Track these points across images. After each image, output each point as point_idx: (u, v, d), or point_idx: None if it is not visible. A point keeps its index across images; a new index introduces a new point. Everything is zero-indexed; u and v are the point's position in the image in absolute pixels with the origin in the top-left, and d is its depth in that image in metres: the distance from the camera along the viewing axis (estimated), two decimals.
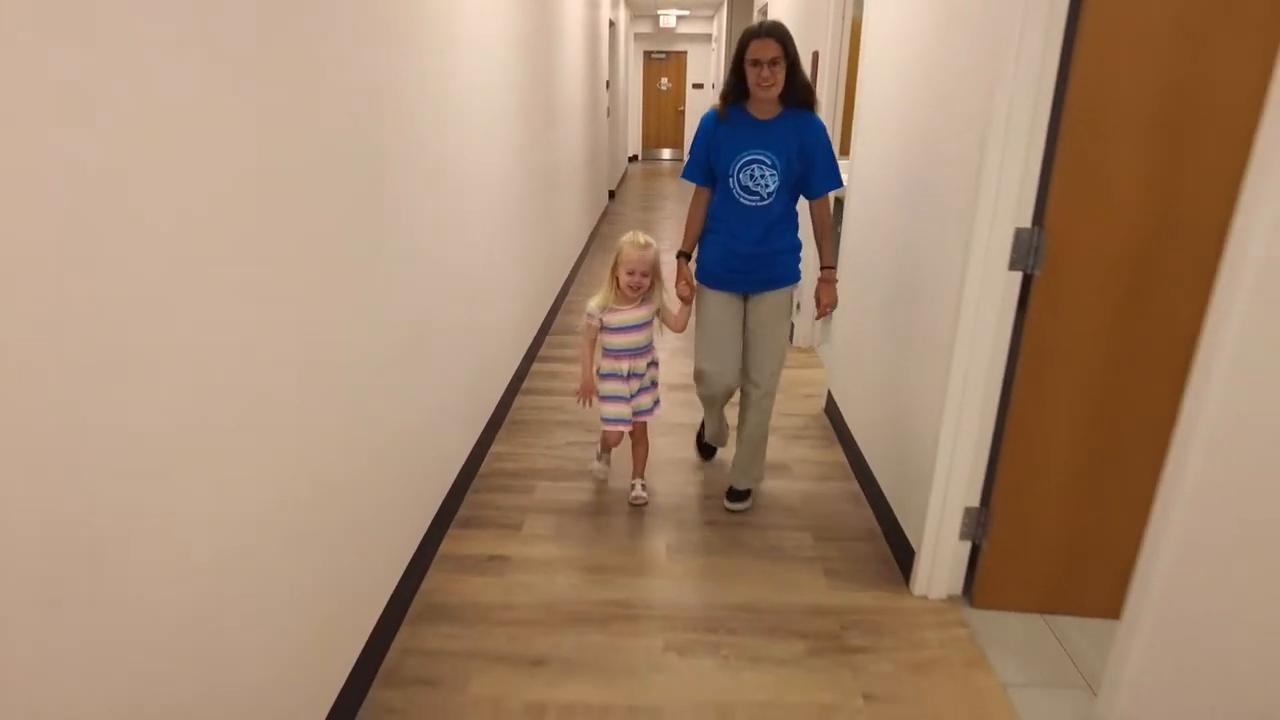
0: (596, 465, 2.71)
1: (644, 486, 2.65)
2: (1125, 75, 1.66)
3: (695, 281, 2.44)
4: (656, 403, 2.58)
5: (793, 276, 2.40)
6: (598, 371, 2.50)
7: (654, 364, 2.56)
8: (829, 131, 2.36)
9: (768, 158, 2.22)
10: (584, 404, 2.54)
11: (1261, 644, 0.95)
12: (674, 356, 3.86)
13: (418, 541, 2.17)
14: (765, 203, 2.27)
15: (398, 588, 2.00)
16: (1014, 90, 1.73)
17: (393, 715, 1.73)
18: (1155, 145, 1.69)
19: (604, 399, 2.49)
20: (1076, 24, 1.66)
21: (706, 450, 2.94)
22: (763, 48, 2.11)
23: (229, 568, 1.25)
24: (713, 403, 2.59)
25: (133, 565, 1.04)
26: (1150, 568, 1.19)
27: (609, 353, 2.47)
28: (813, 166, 2.25)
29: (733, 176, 2.26)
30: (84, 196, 0.93)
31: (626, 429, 2.52)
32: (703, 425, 2.86)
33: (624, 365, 2.45)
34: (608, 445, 2.56)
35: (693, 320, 2.49)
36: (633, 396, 2.48)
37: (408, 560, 2.08)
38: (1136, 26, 1.63)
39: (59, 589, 0.93)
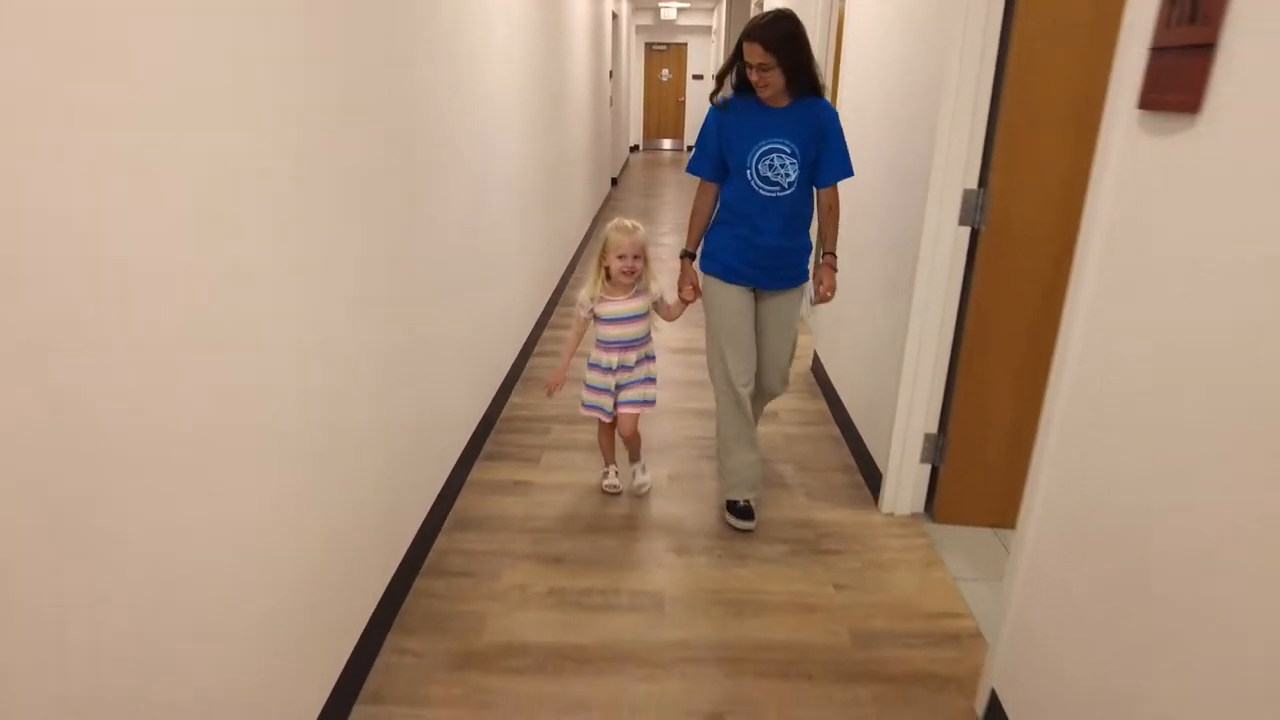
0: (608, 483, 2.59)
1: (645, 470, 2.62)
2: (1051, 65, 1.98)
3: (701, 282, 2.38)
4: (647, 401, 2.48)
5: (805, 276, 2.39)
6: (587, 360, 2.49)
7: (649, 358, 2.49)
8: None
9: (787, 146, 2.14)
10: (549, 394, 2.46)
11: (1123, 525, 1.26)
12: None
13: (449, 470, 2.49)
14: (786, 193, 2.19)
15: (434, 506, 2.31)
16: (959, 80, 2.06)
17: (436, 598, 2.06)
18: (1077, 124, 2.01)
19: (587, 387, 2.48)
20: (1010, 22, 1.99)
21: (744, 511, 2.39)
22: (749, 51, 2.05)
23: (299, 487, 1.54)
24: (740, 415, 2.38)
25: (211, 489, 1.36)
26: (1037, 473, 1.50)
27: (600, 344, 2.43)
28: (823, 153, 2.19)
29: (750, 168, 2.17)
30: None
31: (604, 418, 2.50)
32: (731, 502, 2.42)
33: (613, 358, 2.40)
34: (605, 431, 2.56)
35: (692, 315, 2.50)
36: (618, 388, 2.45)
37: (442, 483, 2.40)
38: (1060, 25, 1.96)
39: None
